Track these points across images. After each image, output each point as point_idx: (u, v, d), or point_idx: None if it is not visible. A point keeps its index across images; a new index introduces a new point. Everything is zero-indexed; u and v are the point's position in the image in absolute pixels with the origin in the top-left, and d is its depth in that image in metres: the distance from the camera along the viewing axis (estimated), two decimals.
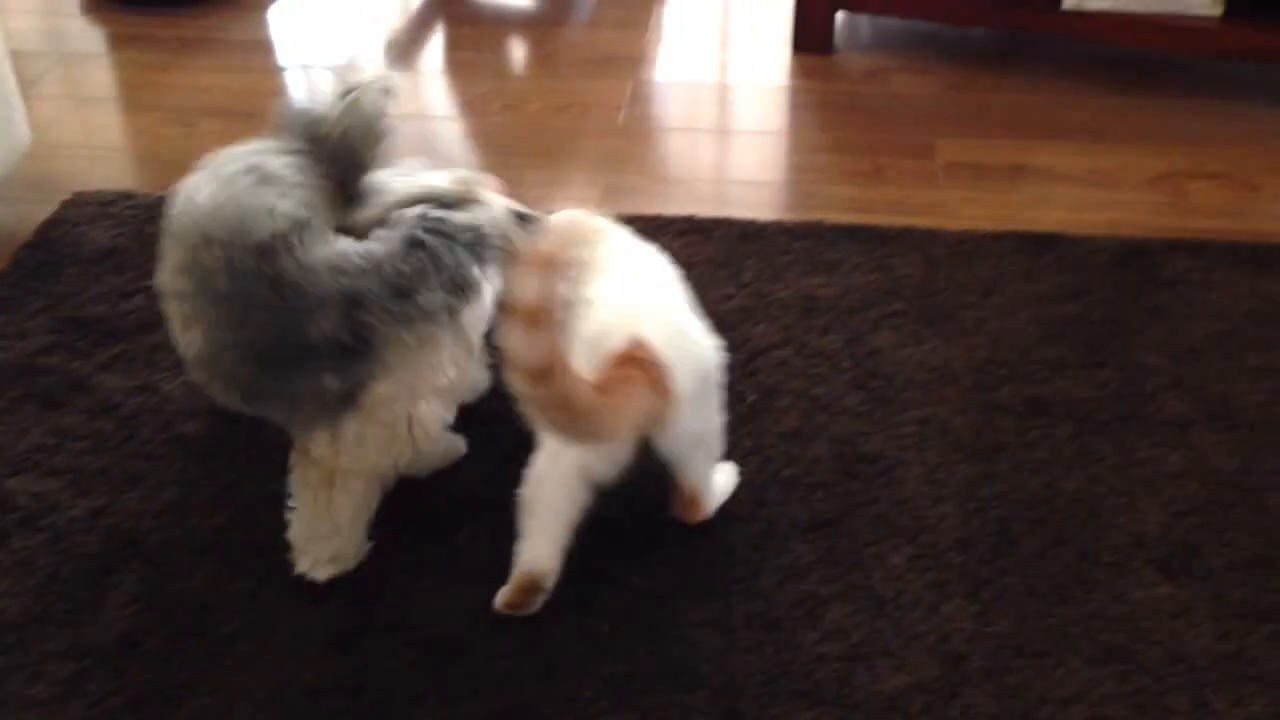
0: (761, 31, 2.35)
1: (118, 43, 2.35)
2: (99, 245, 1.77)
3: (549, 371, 1.05)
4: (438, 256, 1.17)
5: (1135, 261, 1.72)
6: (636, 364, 1.16)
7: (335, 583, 1.30)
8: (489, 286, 1.26)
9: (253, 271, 1.13)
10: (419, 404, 1.21)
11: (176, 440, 1.47)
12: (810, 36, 2.24)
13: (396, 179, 1.26)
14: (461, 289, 1.19)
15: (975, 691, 1.20)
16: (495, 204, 1.27)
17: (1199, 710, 1.18)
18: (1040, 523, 1.36)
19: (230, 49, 2.33)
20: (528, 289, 1.02)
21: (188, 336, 1.20)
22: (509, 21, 2.44)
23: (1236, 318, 1.62)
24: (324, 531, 1.27)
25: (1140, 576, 1.30)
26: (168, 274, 1.21)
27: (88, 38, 2.38)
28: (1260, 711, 1.17)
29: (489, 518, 1.35)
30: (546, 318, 1.03)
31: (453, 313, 1.19)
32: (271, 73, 2.27)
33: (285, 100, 1.29)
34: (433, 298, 1.17)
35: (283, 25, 2.42)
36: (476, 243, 1.21)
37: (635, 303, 1.25)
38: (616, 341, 1.17)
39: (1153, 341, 1.59)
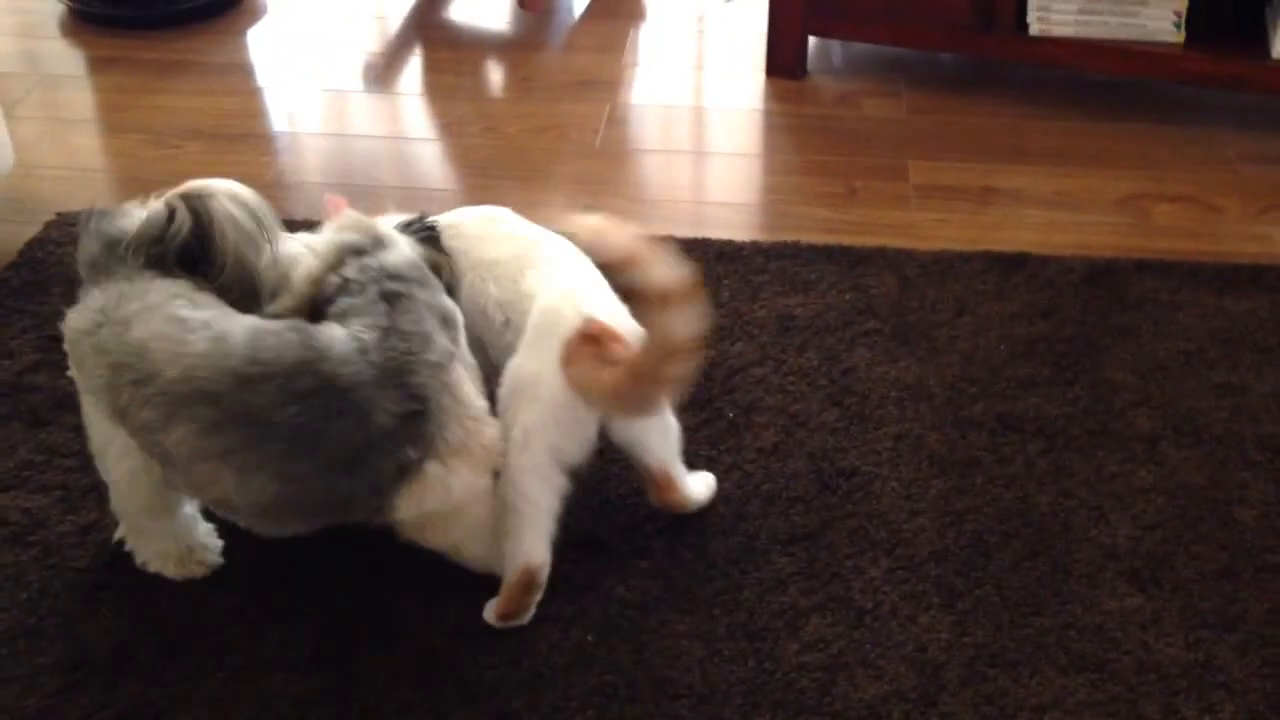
0: (736, 56, 2.39)
1: (98, 65, 2.37)
2: None
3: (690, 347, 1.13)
4: (415, 300, 1.18)
5: (1103, 281, 1.76)
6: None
7: (321, 595, 1.32)
8: (458, 312, 1.27)
9: (312, 387, 1.11)
10: (481, 426, 1.22)
11: None
12: (783, 61, 2.29)
13: (293, 254, 1.25)
14: (449, 320, 1.22)
15: (952, 700, 1.23)
16: (394, 235, 1.28)
17: (1170, 717, 1.21)
18: (1014, 536, 1.40)
19: (210, 72, 2.35)
20: (666, 275, 1.09)
21: (249, 487, 1.13)
22: (487, 45, 2.48)
23: (1202, 336, 1.66)
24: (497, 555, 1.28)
25: (1112, 588, 1.34)
26: (191, 440, 1.12)
27: (67, 60, 2.39)
28: (1230, 718, 1.21)
29: None
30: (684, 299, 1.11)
31: (455, 342, 1.22)
32: (252, 95, 2.29)
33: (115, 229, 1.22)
34: (440, 336, 1.18)
35: (262, 48, 2.44)
36: (422, 277, 1.22)
37: (574, 288, 1.29)
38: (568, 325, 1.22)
39: (1121, 359, 1.63)
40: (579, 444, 1.26)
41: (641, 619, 1.31)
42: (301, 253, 1.25)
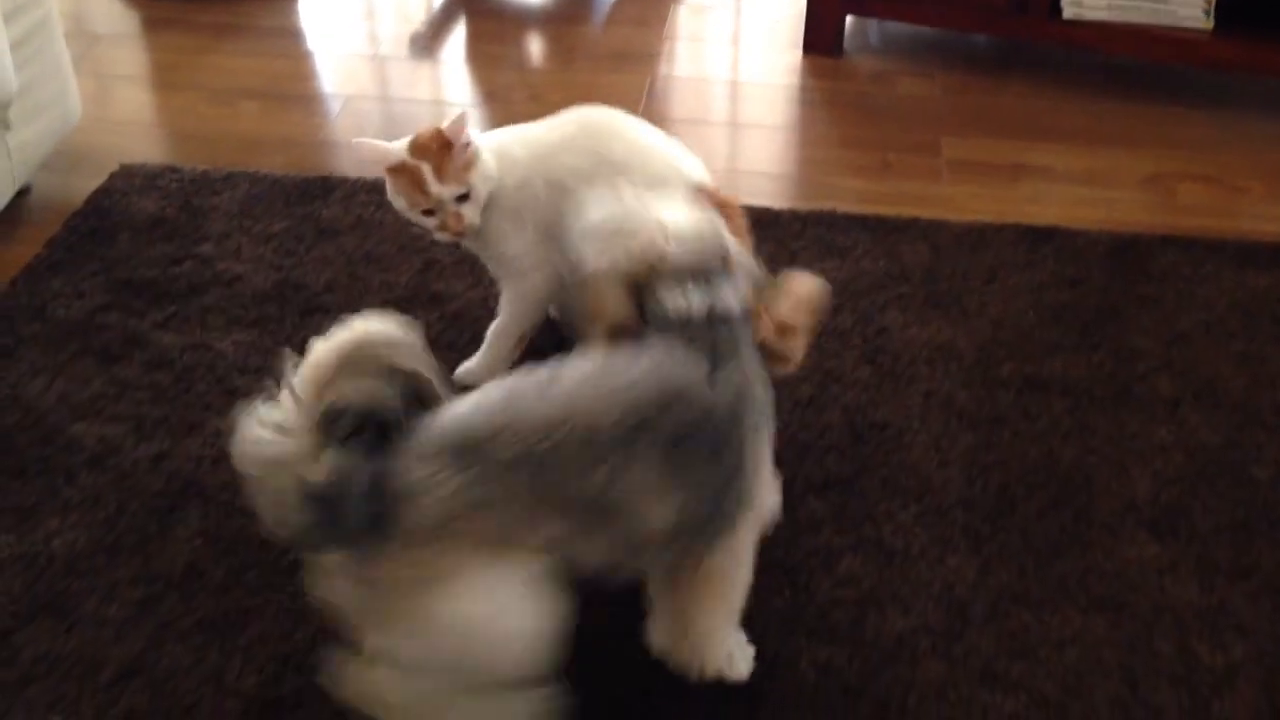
0: (773, 33, 2.45)
1: (153, 26, 2.44)
2: (148, 214, 1.86)
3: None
4: (742, 359, 1.12)
5: (1128, 255, 1.83)
6: None
7: None
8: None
9: (713, 411, 1.07)
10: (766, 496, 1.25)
11: (230, 392, 1.56)
12: (820, 39, 2.35)
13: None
14: (763, 377, 1.16)
15: (977, 634, 1.30)
16: (737, 258, 1.18)
17: (1184, 654, 1.28)
18: (1038, 487, 1.47)
19: (263, 35, 2.42)
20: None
21: (653, 515, 1.06)
22: (529, 18, 2.54)
23: (1222, 309, 1.73)
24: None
25: (1131, 536, 1.41)
26: (637, 476, 1.04)
27: (123, 20, 2.47)
28: (1240, 657, 1.28)
29: None
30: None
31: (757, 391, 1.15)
32: (303, 58, 2.36)
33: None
34: (761, 391, 1.15)
35: (313, 14, 2.52)
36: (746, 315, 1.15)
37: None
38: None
39: (1144, 328, 1.70)
40: None
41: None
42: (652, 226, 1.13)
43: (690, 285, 1.11)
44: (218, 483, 1.44)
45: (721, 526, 1.13)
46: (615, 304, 1.13)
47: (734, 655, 1.26)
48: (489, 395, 1.06)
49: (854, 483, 1.47)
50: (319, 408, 0.99)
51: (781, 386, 1.59)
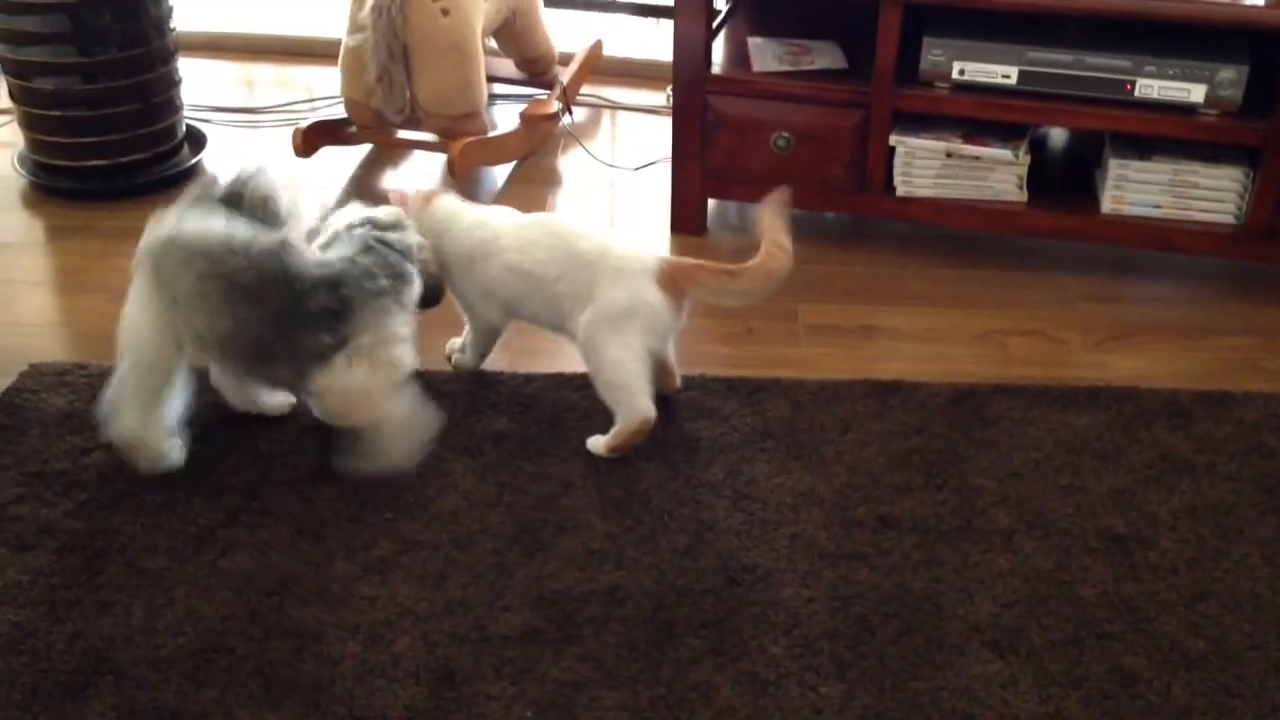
0: (644, 216, 2.68)
1: (59, 233, 2.57)
2: (58, 409, 1.97)
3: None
4: (384, 256, 1.79)
5: (966, 403, 2.04)
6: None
7: (290, 685, 1.49)
8: (417, 281, 1.84)
9: (270, 266, 1.68)
10: (390, 347, 1.77)
11: (141, 573, 1.65)
12: (686, 219, 2.58)
13: (344, 214, 1.89)
14: (400, 276, 1.80)
15: None
16: (411, 227, 1.91)
17: None
18: (893, 615, 1.62)
19: None
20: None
21: (215, 324, 1.69)
22: None
23: (1050, 446, 1.93)
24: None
25: (976, 655, 1.57)
26: (187, 283, 1.68)
27: (29, 229, 2.60)
28: None
29: (427, 626, 1.57)
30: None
31: (397, 291, 1.78)
32: None
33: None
34: (383, 281, 1.76)
35: None
36: (406, 250, 1.84)
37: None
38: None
39: (982, 467, 1.89)
40: (663, 339, 1.91)
41: (575, 695, 1.50)
42: (349, 215, 1.88)
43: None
44: (130, 659, 1.52)
45: (321, 357, 1.73)
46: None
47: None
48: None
49: (729, 621, 1.61)
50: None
51: (660, 537, 1.73)
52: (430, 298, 1.89)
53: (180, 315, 1.71)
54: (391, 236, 1.83)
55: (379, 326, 1.75)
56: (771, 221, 1.88)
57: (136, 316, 1.75)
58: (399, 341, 1.78)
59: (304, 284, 1.70)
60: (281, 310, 1.70)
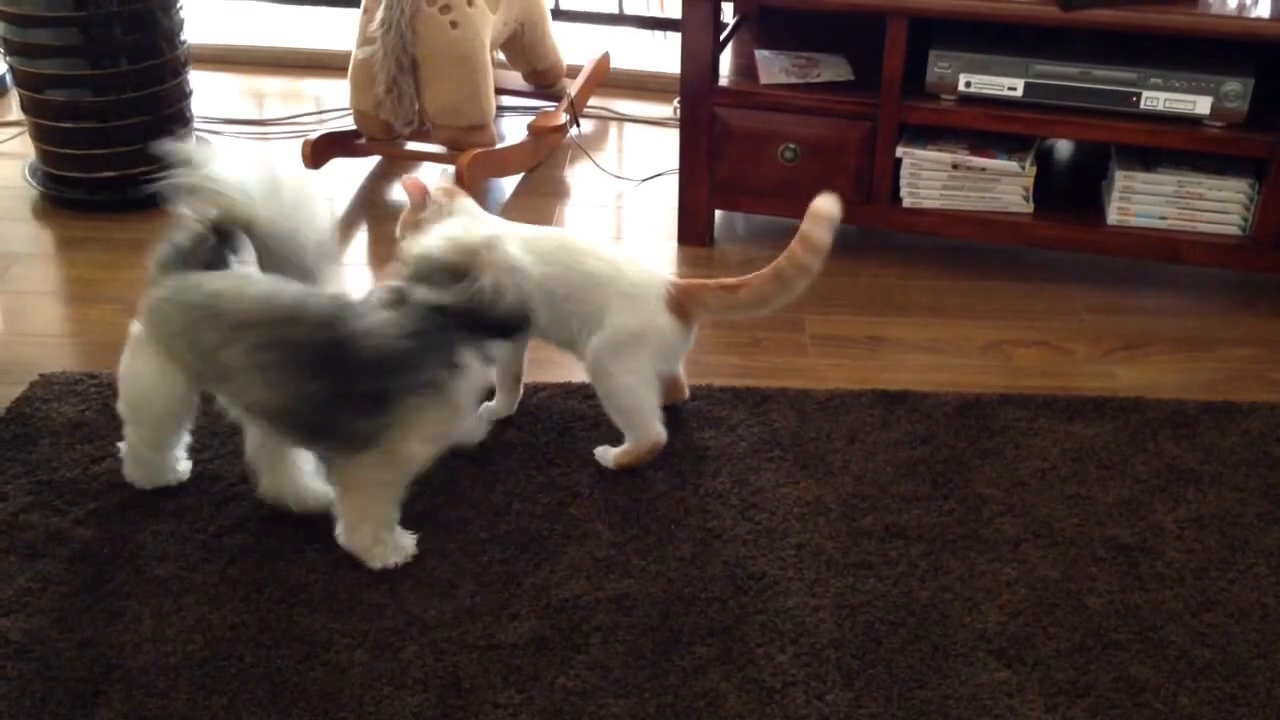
0: (651, 228, 2.69)
1: (69, 244, 2.59)
2: (68, 418, 1.98)
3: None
4: (443, 336, 1.59)
5: (972, 412, 2.04)
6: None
7: (299, 693, 1.50)
8: (476, 363, 1.65)
9: (321, 343, 1.57)
10: (409, 442, 1.63)
11: (150, 581, 1.66)
12: (693, 231, 2.59)
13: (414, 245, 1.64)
14: (454, 366, 1.61)
15: None
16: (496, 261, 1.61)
17: None
18: (900, 624, 1.63)
19: None
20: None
21: (266, 394, 1.60)
22: None
23: (1055, 456, 1.94)
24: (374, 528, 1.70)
25: (983, 664, 1.57)
26: (238, 352, 1.58)
27: (39, 240, 2.61)
28: None
29: (436, 634, 1.57)
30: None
31: (441, 388, 1.61)
32: None
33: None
34: (431, 373, 1.59)
35: None
36: (474, 310, 1.58)
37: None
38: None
39: (988, 477, 1.89)
40: (673, 362, 1.93)
41: (582, 704, 1.50)
42: (421, 246, 1.64)
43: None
44: (139, 666, 1.53)
45: (342, 442, 1.62)
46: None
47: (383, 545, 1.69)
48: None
49: (736, 629, 1.61)
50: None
51: (667, 545, 1.74)
52: (513, 327, 1.64)
53: (223, 387, 1.66)
54: (449, 300, 1.57)
55: (408, 423, 1.61)
56: (811, 221, 1.85)
57: (149, 376, 1.73)
58: (423, 440, 1.64)
59: (356, 361, 1.56)
60: (334, 386, 1.58)
